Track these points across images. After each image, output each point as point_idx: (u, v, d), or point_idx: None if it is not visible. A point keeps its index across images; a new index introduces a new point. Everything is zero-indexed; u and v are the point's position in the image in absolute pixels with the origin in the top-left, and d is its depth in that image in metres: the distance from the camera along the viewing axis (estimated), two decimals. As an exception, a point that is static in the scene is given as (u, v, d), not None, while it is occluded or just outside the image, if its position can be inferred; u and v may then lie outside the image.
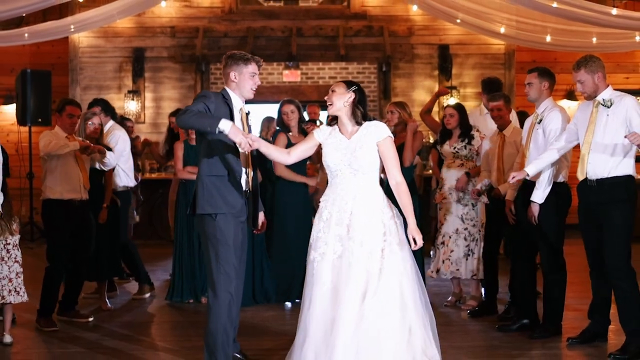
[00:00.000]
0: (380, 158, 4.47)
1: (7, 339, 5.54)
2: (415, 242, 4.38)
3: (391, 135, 4.53)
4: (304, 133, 6.87)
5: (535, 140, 5.62)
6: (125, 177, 7.17)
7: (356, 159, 4.42)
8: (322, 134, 4.59)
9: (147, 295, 7.21)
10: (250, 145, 4.39)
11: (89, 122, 6.43)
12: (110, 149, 6.65)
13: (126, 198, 7.27)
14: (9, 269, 5.53)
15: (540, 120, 5.60)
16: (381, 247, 4.34)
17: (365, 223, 4.37)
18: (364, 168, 4.44)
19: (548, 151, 5.40)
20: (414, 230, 4.42)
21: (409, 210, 4.46)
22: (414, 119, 6.76)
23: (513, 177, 5.42)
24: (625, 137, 4.94)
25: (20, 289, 5.58)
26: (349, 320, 4.23)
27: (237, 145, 4.46)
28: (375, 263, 4.31)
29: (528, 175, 5.40)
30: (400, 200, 4.49)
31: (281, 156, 4.77)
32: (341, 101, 4.48)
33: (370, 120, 4.55)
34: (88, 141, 6.27)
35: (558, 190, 5.55)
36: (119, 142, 7.06)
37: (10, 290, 5.52)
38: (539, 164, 5.39)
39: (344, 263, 4.32)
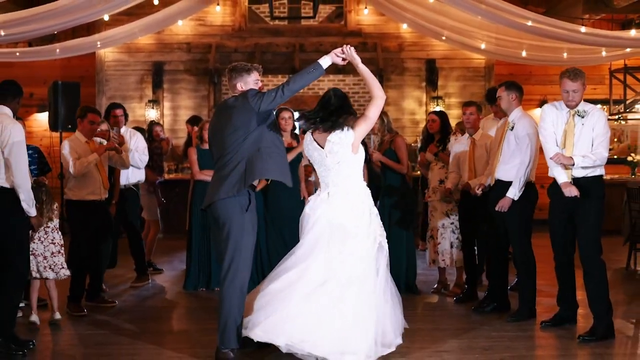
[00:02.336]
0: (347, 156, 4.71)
1: (57, 316, 5.60)
2: None
3: None
4: (296, 139, 6.90)
5: (507, 144, 5.66)
6: (144, 171, 7.19)
7: None
8: None
9: (144, 284, 7.13)
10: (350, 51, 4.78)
11: (98, 129, 6.43)
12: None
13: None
14: (44, 248, 5.50)
15: (512, 128, 5.63)
16: None
17: None
18: None
19: (575, 156, 5.05)
20: None
21: None
22: (373, 149, 6.48)
23: (570, 187, 5.07)
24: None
25: (55, 266, 5.52)
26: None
27: (339, 55, 4.91)
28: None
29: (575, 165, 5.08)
30: None
31: (380, 100, 4.91)
32: None
33: None
34: (105, 142, 6.30)
35: (528, 189, 5.59)
36: (145, 144, 7.10)
37: (45, 267, 5.49)
38: (586, 161, 5.06)
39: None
